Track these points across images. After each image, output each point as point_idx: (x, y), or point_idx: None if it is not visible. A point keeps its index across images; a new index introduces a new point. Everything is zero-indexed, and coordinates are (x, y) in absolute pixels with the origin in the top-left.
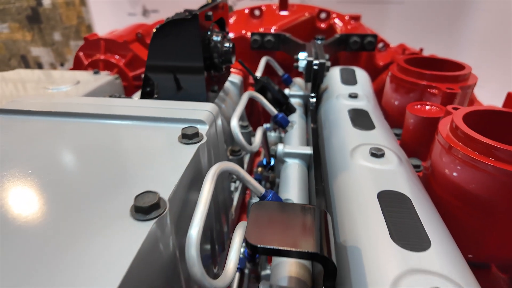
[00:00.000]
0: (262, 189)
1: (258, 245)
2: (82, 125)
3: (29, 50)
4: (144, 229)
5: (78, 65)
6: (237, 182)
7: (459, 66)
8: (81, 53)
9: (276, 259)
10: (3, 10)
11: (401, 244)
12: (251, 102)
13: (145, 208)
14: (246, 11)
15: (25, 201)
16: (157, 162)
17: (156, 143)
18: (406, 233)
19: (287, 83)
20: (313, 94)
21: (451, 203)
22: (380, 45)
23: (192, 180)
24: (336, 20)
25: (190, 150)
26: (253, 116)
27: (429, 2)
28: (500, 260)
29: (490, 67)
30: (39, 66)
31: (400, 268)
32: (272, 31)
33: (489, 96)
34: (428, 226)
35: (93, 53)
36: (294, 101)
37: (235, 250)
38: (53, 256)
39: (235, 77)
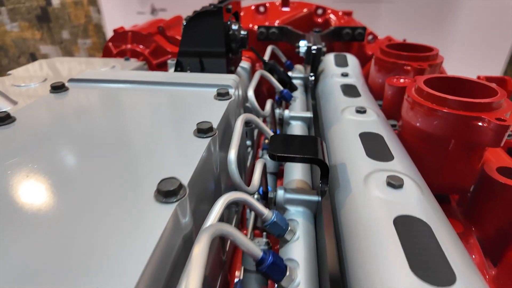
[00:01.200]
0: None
1: (277, 154)
2: (142, 89)
3: (38, 48)
4: (204, 143)
5: (107, 54)
6: (249, 149)
7: (429, 49)
8: (110, 44)
9: (286, 179)
10: (13, 10)
11: (372, 157)
12: (257, 86)
13: (204, 129)
14: (253, 7)
15: (117, 125)
16: (203, 109)
17: (200, 98)
18: (377, 152)
19: (289, 68)
20: (312, 74)
21: (417, 144)
22: (370, 37)
23: (225, 125)
24: (331, 16)
25: (223, 104)
26: (259, 97)
27: (417, 2)
28: (454, 188)
29: (473, 60)
30: None
31: (371, 169)
32: (276, 24)
33: None
34: (393, 150)
35: (120, 44)
36: (295, 82)
37: (259, 170)
38: (141, 157)
39: (245, 64)
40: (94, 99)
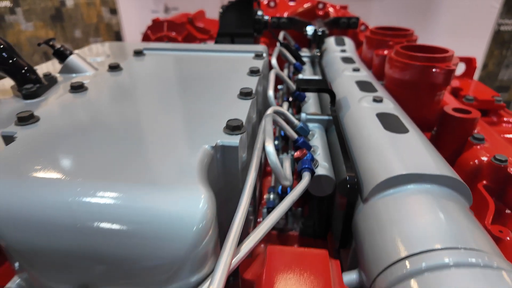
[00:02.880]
0: (293, 86)
1: (301, 87)
2: (201, 54)
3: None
4: (255, 79)
5: (146, 40)
6: None
7: (407, 30)
8: (149, 31)
9: (304, 111)
10: (29, 10)
11: (363, 91)
12: None
13: (255, 70)
14: (265, 2)
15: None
16: (249, 63)
17: (243, 58)
18: (366, 88)
19: (297, 50)
20: (318, 50)
21: (396, 91)
22: (362, 27)
23: (264, 74)
24: (330, 9)
25: (261, 61)
26: None
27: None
28: (423, 124)
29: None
30: None
31: (363, 95)
32: (285, 16)
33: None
34: (378, 88)
35: (157, 32)
36: (304, 59)
37: (285, 106)
38: (220, 83)
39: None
40: (166, 59)
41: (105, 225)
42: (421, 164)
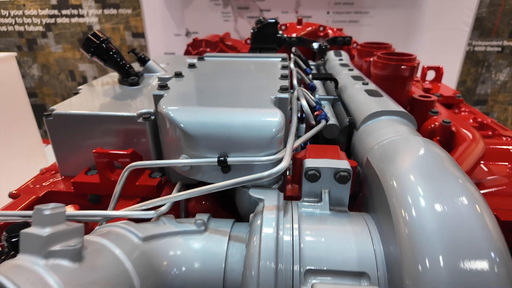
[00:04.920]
0: (307, 80)
1: (314, 76)
2: (243, 59)
3: (77, 66)
4: (287, 71)
5: (187, 54)
6: None
7: (387, 44)
8: (190, 48)
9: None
10: (59, 34)
11: (356, 80)
12: None
13: (285, 66)
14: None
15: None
16: (278, 64)
17: (274, 61)
18: (358, 79)
19: None
20: (322, 59)
21: (378, 83)
22: (354, 45)
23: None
24: (329, 31)
25: (287, 62)
26: None
27: (389, 25)
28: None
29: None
30: (84, 79)
31: (355, 82)
32: (293, 36)
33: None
34: (365, 79)
35: (196, 48)
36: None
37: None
38: (262, 76)
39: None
40: (223, 62)
41: (236, 123)
42: (388, 106)
